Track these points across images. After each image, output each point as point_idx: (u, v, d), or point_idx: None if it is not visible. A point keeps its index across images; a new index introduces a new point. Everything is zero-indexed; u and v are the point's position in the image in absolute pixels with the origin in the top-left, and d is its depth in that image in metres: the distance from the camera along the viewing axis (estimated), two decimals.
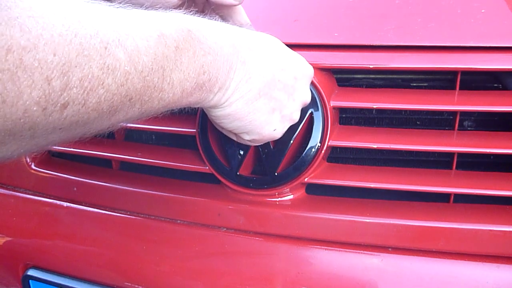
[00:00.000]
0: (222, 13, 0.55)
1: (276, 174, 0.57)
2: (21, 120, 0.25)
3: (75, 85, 0.26)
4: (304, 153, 0.56)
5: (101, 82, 0.28)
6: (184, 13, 0.39)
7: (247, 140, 0.48)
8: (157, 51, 0.32)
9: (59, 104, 0.26)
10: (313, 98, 0.55)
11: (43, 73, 0.25)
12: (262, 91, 0.44)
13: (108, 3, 0.32)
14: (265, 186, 0.58)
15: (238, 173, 0.58)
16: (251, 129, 0.46)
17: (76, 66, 0.26)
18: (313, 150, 0.56)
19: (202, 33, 0.37)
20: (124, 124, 0.34)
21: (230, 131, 0.47)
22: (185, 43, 0.35)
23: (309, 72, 0.50)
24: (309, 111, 0.56)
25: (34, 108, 0.25)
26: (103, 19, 0.29)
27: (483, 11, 0.54)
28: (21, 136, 0.26)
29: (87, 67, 0.27)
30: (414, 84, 0.60)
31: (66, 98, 0.26)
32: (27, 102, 0.24)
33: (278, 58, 0.46)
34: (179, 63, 0.35)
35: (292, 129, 0.52)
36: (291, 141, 0.55)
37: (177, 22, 0.36)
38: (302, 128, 0.56)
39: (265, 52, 0.44)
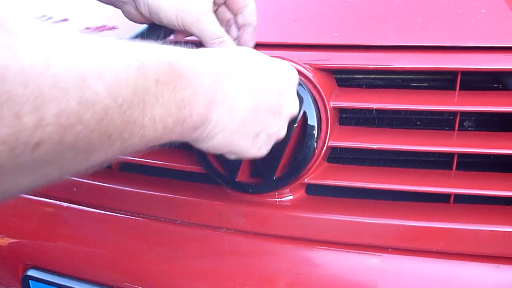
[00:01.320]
0: (235, 10, 0.55)
1: (274, 178, 0.56)
2: None
3: (51, 122, 0.24)
4: (304, 154, 0.56)
5: (79, 118, 0.25)
6: (164, 44, 0.37)
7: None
8: (138, 83, 0.30)
9: (31, 143, 0.23)
10: (313, 98, 0.55)
11: (12, 107, 0.22)
12: (245, 118, 0.42)
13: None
14: (265, 191, 0.58)
15: (236, 180, 0.57)
16: (237, 153, 0.45)
17: (51, 100, 0.24)
18: (313, 151, 0.56)
19: (182, 65, 0.35)
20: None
21: None
22: (165, 76, 0.33)
23: (294, 79, 0.48)
24: (301, 113, 0.54)
25: (1, 148, 0.22)
26: (79, 49, 0.27)
27: (483, 11, 0.54)
28: None
29: (63, 101, 0.24)
30: (414, 84, 0.60)
31: (40, 136, 0.23)
32: None
33: (260, 78, 0.43)
34: (160, 97, 0.32)
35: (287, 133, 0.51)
36: (286, 147, 0.54)
37: (157, 53, 0.34)
38: (301, 128, 0.55)
39: (245, 76, 0.42)
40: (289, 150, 0.55)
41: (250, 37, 0.55)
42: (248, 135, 0.43)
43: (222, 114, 0.40)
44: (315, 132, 0.55)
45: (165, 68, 0.33)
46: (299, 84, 0.54)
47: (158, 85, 0.32)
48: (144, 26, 0.55)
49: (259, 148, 0.46)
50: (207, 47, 0.52)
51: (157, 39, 0.55)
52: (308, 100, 0.55)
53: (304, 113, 0.54)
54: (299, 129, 0.55)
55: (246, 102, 0.42)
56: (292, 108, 0.48)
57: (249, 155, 0.46)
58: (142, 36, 0.54)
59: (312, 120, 0.55)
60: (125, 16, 0.55)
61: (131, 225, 0.66)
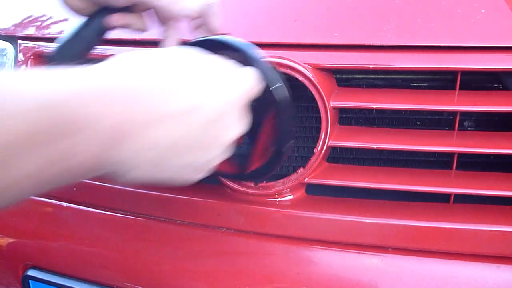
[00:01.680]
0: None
1: (248, 171, 0.53)
2: None
3: None
4: (278, 147, 0.52)
5: None
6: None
7: None
8: None
9: None
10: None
11: None
12: (166, 154, 0.34)
13: None
14: (238, 180, 0.57)
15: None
16: (164, 182, 0.37)
17: None
18: (289, 146, 0.52)
19: (78, 101, 0.27)
20: None
21: None
22: (44, 125, 0.26)
23: (243, 91, 0.39)
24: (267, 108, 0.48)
25: None
26: None
27: (483, 11, 0.54)
28: None
29: None
30: (414, 84, 0.60)
31: None
32: None
33: (188, 102, 0.34)
34: (32, 151, 0.26)
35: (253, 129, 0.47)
36: (254, 143, 0.50)
37: (39, 92, 0.26)
38: (276, 120, 0.50)
39: (167, 102, 0.32)
40: (267, 139, 0.52)
41: (214, 19, 0.48)
42: (171, 169, 0.36)
43: (133, 153, 0.32)
44: (289, 127, 0.50)
45: (45, 115, 0.26)
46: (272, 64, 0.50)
47: (31, 138, 0.25)
48: (81, 22, 0.49)
49: (189, 177, 0.38)
50: (165, 13, 0.46)
51: (97, 34, 0.50)
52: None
53: (276, 105, 0.47)
54: (273, 119, 0.50)
55: (168, 136, 0.33)
56: (228, 137, 0.38)
57: (180, 184, 0.38)
58: (78, 32, 0.49)
59: (285, 114, 0.49)
60: (66, 7, 0.47)
61: (131, 225, 0.66)
